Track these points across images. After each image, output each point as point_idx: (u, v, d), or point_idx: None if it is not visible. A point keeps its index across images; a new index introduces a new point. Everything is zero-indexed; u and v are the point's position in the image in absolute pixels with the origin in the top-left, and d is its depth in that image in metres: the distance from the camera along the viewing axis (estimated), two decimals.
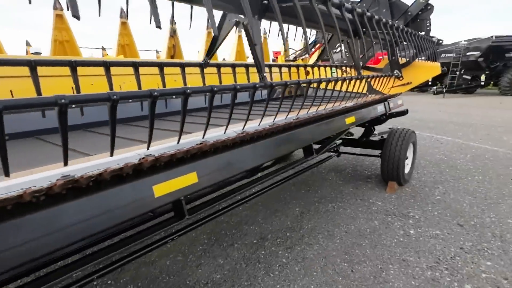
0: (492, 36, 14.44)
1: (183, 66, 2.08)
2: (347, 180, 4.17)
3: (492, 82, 15.99)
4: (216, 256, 2.52)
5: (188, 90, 1.21)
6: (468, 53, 15.36)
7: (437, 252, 2.43)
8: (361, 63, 4.22)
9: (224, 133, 1.56)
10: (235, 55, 5.29)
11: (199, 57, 5.72)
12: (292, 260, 2.41)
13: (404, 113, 4.12)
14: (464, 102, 12.85)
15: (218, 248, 2.63)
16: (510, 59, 14.96)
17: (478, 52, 14.95)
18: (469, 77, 16.00)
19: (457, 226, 2.81)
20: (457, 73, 15.82)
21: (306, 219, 3.09)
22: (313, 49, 4.77)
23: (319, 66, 3.93)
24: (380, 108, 3.62)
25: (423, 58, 4.23)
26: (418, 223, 2.91)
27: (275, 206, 3.42)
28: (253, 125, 1.79)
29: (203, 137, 1.45)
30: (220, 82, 2.43)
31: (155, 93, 1.09)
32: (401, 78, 3.89)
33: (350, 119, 2.86)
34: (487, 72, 15.56)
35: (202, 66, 2.12)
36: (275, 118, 1.90)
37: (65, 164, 1.02)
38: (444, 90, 15.59)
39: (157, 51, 11.15)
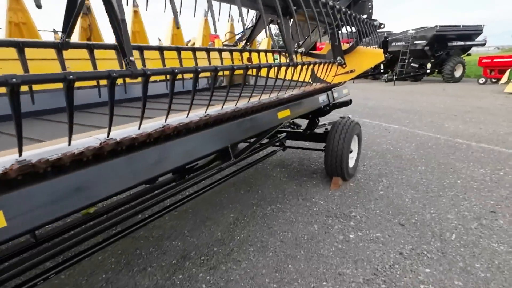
0: (436, 26, 15.13)
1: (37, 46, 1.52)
2: (292, 177, 3.88)
3: (436, 70, 16.92)
4: (120, 287, 2.04)
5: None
6: (415, 42, 16.00)
7: (376, 260, 2.19)
8: (303, 49, 3.89)
9: (69, 145, 1.07)
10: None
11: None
12: (213, 285, 2.02)
13: (347, 103, 3.89)
14: (412, 89, 13.41)
15: (126, 275, 2.15)
16: (452, 48, 15.89)
17: (424, 41, 15.62)
18: (416, 65, 16.76)
19: (398, 226, 2.62)
20: (406, 61, 16.49)
21: (239, 228, 2.71)
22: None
23: (249, 51, 3.52)
24: (322, 99, 3.32)
25: (376, 46, 4.01)
26: (359, 224, 2.68)
27: (207, 213, 3.00)
28: (130, 129, 1.32)
29: (19, 155, 0.95)
30: (95, 68, 1.88)
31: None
32: (344, 66, 3.62)
33: (284, 113, 2.49)
34: (432, 60, 16.40)
35: (59, 48, 1.57)
36: (166, 118, 1.44)
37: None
38: (395, 77, 16.19)
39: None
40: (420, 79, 17.72)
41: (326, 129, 3.73)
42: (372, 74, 19.80)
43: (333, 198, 3.20)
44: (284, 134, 3.96)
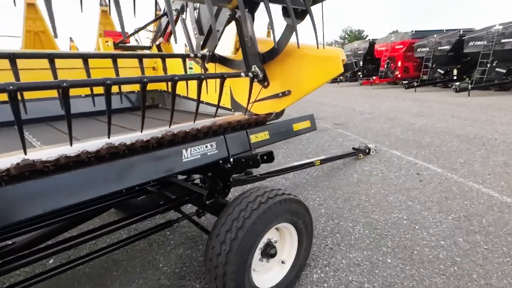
0: None
1: None
2: (183, 277, 2.20)
3: None
4: None
5: (145, 79, 1.24)
6: (503, 40, 12.21)
7: None
8: (207, 52, 2.21)
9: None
10: None
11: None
12: None
13: (256, 163, 1.97)
14: (491, 103, 10.02)
15: None
16: None
17: None
18: (504, 71, 12.81)
19: None
20: (488, 65, 12.73)
21: None
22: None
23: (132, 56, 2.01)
24: (199, 152, 1.61)
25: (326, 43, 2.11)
26: None
27: None
28: None
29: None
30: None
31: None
32: (265, 84, 1.83)
33: None
34: None
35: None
36: None
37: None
38: (470, 86, 12.59)
39: None
40: (509, 89, 13.62)
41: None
42: (442, 81, 16.17)
43: None
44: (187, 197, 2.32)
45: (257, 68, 1.74)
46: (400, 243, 2.44)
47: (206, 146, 1.66)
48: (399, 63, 18.32)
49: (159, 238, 2.71)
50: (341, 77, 23.70)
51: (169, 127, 1.57)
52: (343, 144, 5.79)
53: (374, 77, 19.12)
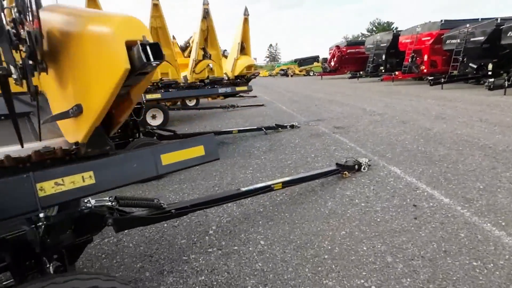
0: None
1: None
2: None
3: None
4: None
5: None
6: None
7: None
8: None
9: None
10: None
11: None
12: None
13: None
14: None
15: None
16: None
17: None
18: None
19: None
20: None
21: None
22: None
23: None
24: None
25: None
26: None
27: None
28: None
29: None
30: None
31: None
32: (32, 89, 0.95)
33: None
34: None
35: None
36: None
37: None
38: (507, 83, 10.85)
39: None
40: None
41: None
42: (475, 77, 14.32)
43: None
44: None
45: (9, 62, 0.88)
46: None
47: None
48: (426, 57, 16.55)
49: None
50: (361, 72, 22.08)
51: None
52: (333, 154, 4.78)
53: (396, 72, 17.46)
